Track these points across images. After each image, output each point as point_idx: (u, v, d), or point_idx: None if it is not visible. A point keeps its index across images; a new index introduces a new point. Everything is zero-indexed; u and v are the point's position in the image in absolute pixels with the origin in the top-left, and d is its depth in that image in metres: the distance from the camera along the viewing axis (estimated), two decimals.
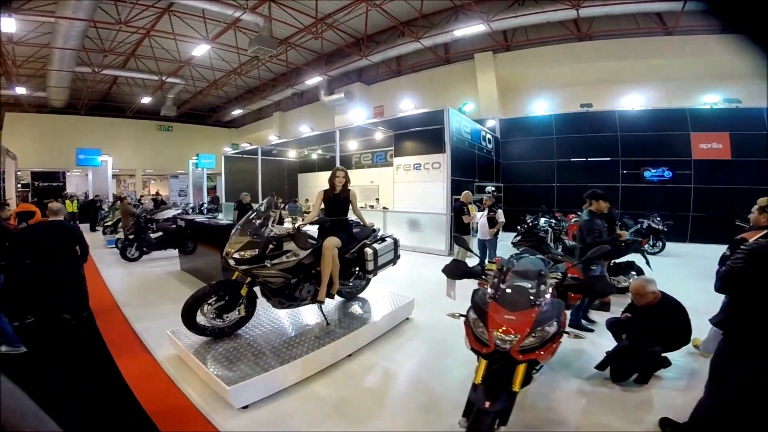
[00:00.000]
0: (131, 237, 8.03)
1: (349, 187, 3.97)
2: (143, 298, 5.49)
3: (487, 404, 1.89)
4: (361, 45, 15.11)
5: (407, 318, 4.45)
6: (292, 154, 18.36)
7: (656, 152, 11.88)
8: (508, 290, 2.23)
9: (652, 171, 12.04)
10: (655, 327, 3.02)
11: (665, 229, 10.25)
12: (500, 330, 2.01)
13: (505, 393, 1.96)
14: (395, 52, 14.83)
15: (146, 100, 19.84)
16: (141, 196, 16.22)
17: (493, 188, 11.19)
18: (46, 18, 11.30)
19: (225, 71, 18.55)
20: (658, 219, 10.48)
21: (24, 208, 9.16)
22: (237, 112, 23.94)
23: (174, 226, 8.13)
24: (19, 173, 17.90)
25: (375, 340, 3.83)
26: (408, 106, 13.64)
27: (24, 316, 4.28)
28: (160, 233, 8.29)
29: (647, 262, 5.46)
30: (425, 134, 11.76)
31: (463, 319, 2.40)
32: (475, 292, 2.37)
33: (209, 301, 3.21)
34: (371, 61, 15.43)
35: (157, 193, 21.67)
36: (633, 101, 12.29)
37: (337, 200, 3.89)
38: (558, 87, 13.35)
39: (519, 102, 13.88)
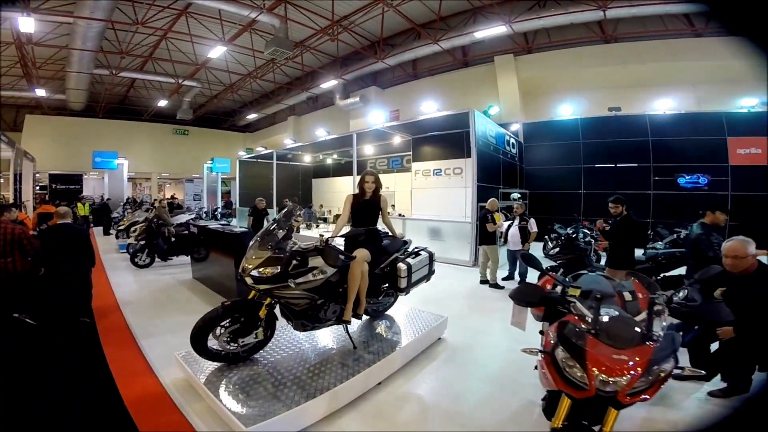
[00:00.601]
0: (142, 243, 7.75)
1: (381, 193, 3.56)
2: (151, 309, 5.13)
3: None
4: (377, 48, 14.83)
5: (439, 338, 3.99)
6: (306, 159, 18.17)
7: (690, 158, 11.22)
8: (611, 322, 1.82)
9: (687, 177, 11.37)
10: (759, 299, 2.42)
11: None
12: (602, 370, 1.65)
13: None
14: (411, 55, 14.51)
15: (162, 103, 19.94)
16: (155, 200, 16.14)
17: (519, 195, 10.68)
18: (64, 18, 11.30)
19: (241, 74, 18.50)
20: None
21: (44, 210, 9.14)
22: (252, 116, 23.93)
23: (186, 231, 7.87)
24: (37, 175, 18.07)
25: (406, 364, 3.39)
26: (431, 108, 13.21)
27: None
28: (173, 239, 8.01)
29: None
30: (447, 138, 11.35)
31: (539, 356, 1.97)
32: (563, 324, 1.93)
33: (222, 323, 2.82)
34: (387, 65, 15.14)
35: (173, 197, 21.68)
36: (663, 105, 11.66)
37: (367, 207, 3.47)
38: (583, 90, 12.78)
39: (542, 105, 13.35)
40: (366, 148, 15.33)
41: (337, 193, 17.98)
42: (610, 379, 1.62)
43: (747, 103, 10.76)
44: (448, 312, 4.33)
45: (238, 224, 15.33)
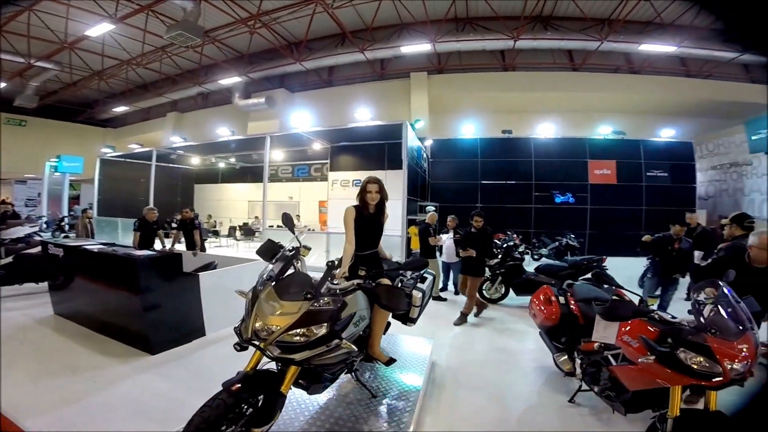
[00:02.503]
0: None
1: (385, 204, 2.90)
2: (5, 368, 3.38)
3: None
4: (294, 49, 13.90)
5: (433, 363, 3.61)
6: (192, 162, 15.73)
7: (562, 177, 13.39)
8: (721, 317, 2.10)
9: (561, 196, 13.52)
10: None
11: (578, 246, 11.51)
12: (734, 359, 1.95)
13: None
14: (332, 61, 14.02)
15: None
16: None
17: (434, 208, 11.09)
18: None
19: (119, 60, 15.15)
20: (573, 237, 11.75)
21: None
22: (120, 109, 19.77)
23: (37, 250, 5.72)
24: None
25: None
26: (364, 116, 12.82)
27: None
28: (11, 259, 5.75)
29: None
30: (369, 148, 11.12)
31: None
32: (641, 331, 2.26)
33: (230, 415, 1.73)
34: (304, 68, 14.27)
35: (4, 202, 16.18)
36: (546, 129, 13.73)
37: (371, 223, 2.81)
38: (484, 112, 14.20)
39: (448, 124, 14.33)
40: (267, 153, 14.15)
41: (226, 201, 16.06)
42: (739, 364, 1.91)
43: (603, 131, 13.42)
44: (404, 330, 3.99)
45: (97, 239, 12.31)
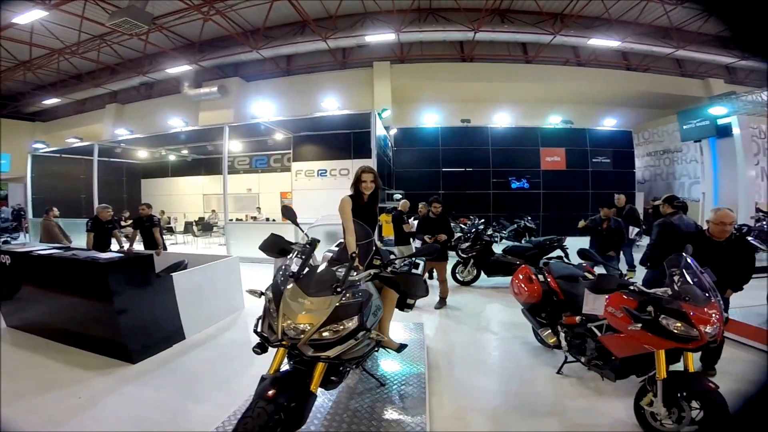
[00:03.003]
0: None
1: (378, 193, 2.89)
2: None
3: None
4: (250, 36, 13.14)
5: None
6: (139, 155, 14.53)
7: (518, 164, 14.11)
8: (690, 286, 2.36)
9: (516, 182, 14.25)
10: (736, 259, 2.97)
11: (535, 228, 12.27)
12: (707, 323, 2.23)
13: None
14: (292, 49, 13.51)
15: None
16: None
17: (401, 195, 11.21)
18: None
19: (51, 49, 13.43)
20: (530, 219, 12.50)
21: None
22: (51, 101, 17.64)
23: None
24: None
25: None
26: (332, 105, 12.40)
27: None
28: None
29: (567, 256, 6.16)
30: (337, 138, 10.90)
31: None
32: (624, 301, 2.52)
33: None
34: (261, 56, 13.55)
35: None
36: (502, 119, 14.31)
37: (366, 212, 2.78)
38: (444, 101, 14.48)
39: (411, 113, 14.44)
40: (226, 144, 13.50)
41: (178, 195, 15.10)
42: (710, 328, 2.17)
43: (553, 121, 14.26)
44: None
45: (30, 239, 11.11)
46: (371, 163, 8.80)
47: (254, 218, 13.64)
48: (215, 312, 4.73)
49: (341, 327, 1.77)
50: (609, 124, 14.78)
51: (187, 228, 12.54)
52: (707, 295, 2.31)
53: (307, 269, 1.98)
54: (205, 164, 14.93)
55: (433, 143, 13.91)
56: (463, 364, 3.37)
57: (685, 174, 13.56)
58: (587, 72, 14.34)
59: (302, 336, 1.70)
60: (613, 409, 2.57)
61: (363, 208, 2.74)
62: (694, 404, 2.11)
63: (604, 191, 13.32)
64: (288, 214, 2.38)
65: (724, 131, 11.34)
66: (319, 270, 1.99)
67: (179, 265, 5.05)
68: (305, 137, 11.40)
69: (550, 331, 3.33)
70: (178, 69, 14.19)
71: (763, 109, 10.89)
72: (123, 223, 10.38)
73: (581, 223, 6.06)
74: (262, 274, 7.05)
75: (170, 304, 4.05)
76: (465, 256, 6.75)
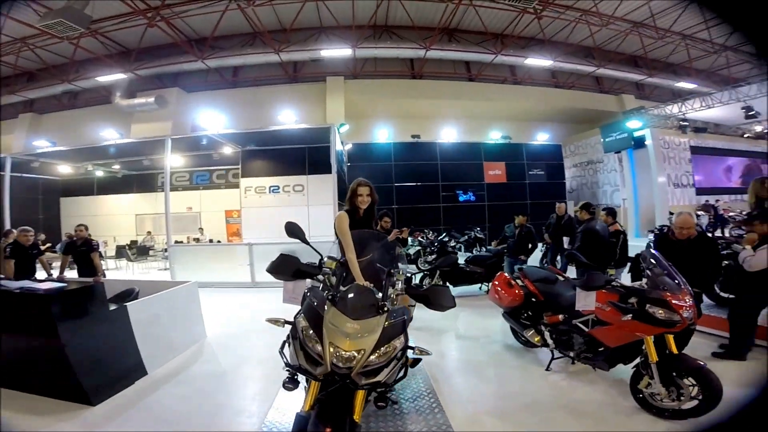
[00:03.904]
0: None
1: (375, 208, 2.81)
2: None
3: None
4: (195, 45, 12.46)
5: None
6: (55, 170, 12.82)
7: (464, 178, 14.89)
8: (664, 277, 2.64)
9: (464, 195, 15.00)
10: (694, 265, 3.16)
11: (484, 238, 12.99)
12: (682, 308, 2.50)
13: None
14: (240, 60, 12.95)
15: None
16: None
17: None
18: None
19: None
20: (479, 230, 13.21)
21: None
22: None
23: None
24: None
25: None
26: (289, 118, 11.98)
27: None
28: None
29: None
30: (290, 152, 10.56)
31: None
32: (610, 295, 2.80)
33: None
34: (207, 66, 12.81)
35: None
36: (449, 134, 15.07)
37: (364, 228, 2.67)
38: (396, 117, 14.86)
39: (363, 128, 14.58)
40: (168, 159, 12.48)
41: (104, 216, 13.56)
42: (687, 312, 2.45)
43: (494, 136, 15.31)
44: None
45: None
46: (331, 179, 8.68)
47: (197, 240, 12.64)
48: (176, 343, 4.25)
49: (391, 348, 1.66)
50: (542, 138, 16.27)
51: (120, 252, 11.21)
52: (678, 283, 2.59)
53: (342, 290, 1.84)
54: (138, 181, 13.59)
55: (386, 158, 14.18)
56: (458, 373, 3.38)
57: (607, 183, 15.31)
58: (522, 90, 15.63)
59: (353, 364, 1.56)
60: (608, 396, 2.76)
61: (359, 222, 2.63)
62: (689, 381, 2.32)
63: (540, 201, 14.59)
64: (294, 231, 2.20)
65: (640, 143, 13.04)
66: (353, 290, 1.85)
67: (129, 294, 4.50)
68: (256, 152, 10.94)
69: (533, 331, 3.49)
70: (110, 77, 12.90)
71: (666, 122, 12.75)
72: (41, 248, 8.95)
73: (493, 244, 6.72)
74: (218, 300, 6.55)
75: (127, 336, 3.57)
76: (430, 267, 6.89)
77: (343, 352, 1.56)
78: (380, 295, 1.81)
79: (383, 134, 14.09)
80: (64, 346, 2.87)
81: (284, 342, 1.93)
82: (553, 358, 3.29)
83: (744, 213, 7.82)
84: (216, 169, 13.32)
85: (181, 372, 3.65)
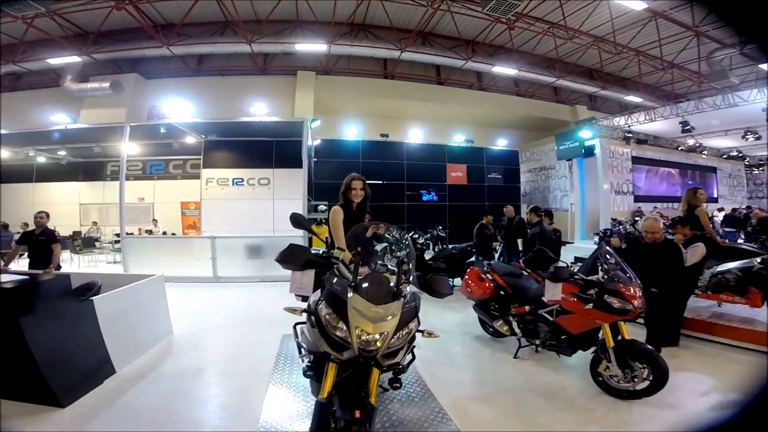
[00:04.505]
0: None
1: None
2: None
3: None
4: (161, 31, 11.74)
5: None
6: None
7: (428, 178, 15.31)
8: (618, 271, 2.98)
9: (427, 195, 15.43)
10: (659, 267, 3.51)
11: (446, 236, 13.47)
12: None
13: None
14: (208, 48, 12.37)
15: None
16: None
17: (326, 207, 11.14)
18: None
19: None
20: (441, 228, 13.67)
21: None
22: None
23: None
24: None
25: None
26: (260, 110, 11.51)
27: None
28: None
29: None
30: (257, 145, 10.24)
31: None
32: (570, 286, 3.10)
33: None
34: (171, 53, 12.02)
35: None
36: (416, 135, 15.41)
37: (357, 222, 2.69)
38: (365, 116, 14.92)
39: (332, 124, 14.47)
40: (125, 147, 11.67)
41: (45, 205, 12.35)
42: (638, 302, 2.79)
43: (458, 139, 15.87)
44: None
45: None
46: (298, 173, 8.60)
47: (149, 232, 11.89)
48: (144, 340, 4.08)
49: (407, 331, 1.79)
50: (501, 144, 17.10)
51: (64, 243, 10.27)
52: (629, 276, 2.94)
53: (360, 277, 1.91)
54: (84, 168, 12.50)
55: (354, 156, 14.18)
56: (436, 363, 3.53)
57: (557, 188, 16.49)
58: (487, 96, 16.27)
59: (377, 346, 1.67)
60: (572, 380, 3.10)
61: (353, 217, 2.71)
62: (640, 365, 2.67)
63: (497, 203, 15.32)
64: (300, 221, 2.26)
65: (590, 152, 14.17)
66: (371, 278, 1.93)
67: (91, 288, 4.19)
68: (220, 142, 10.52)
69: (502, 321, 3.79)
70: (63, 59, 11.82)
71: (614, 133, 13.96)
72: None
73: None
74: (179, 295, 6.26)
75: (94, 333, 3.39)
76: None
77: (368, 336, 1.66)
78: (392, 283, 1.91)
79: (352, 131, 14.09)
80: (29, 344, 2.68)
81: (298, 331, 1.99)
82: (520, 347, 3.59)
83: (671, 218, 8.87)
84: (173, 158, 12.57)
85: (153, 370, 3.52)
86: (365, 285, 1.83)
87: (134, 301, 4.11)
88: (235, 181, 10.70)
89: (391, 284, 1.89)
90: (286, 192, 10.12)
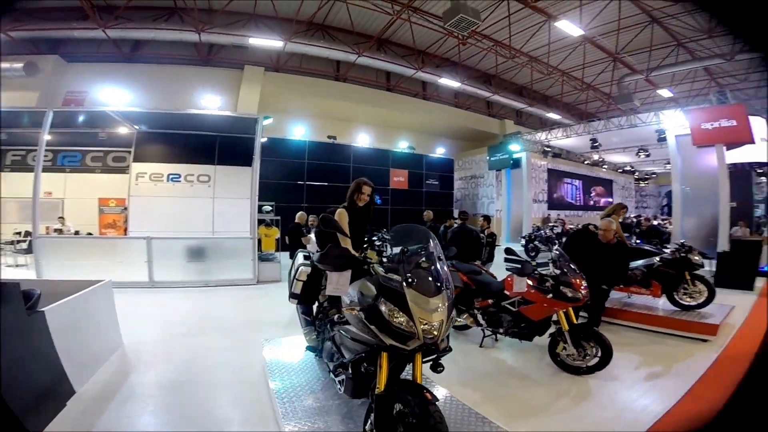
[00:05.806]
0: None
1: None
2: None
3: None
4: (98, 12, 10.31)
5: None
6: None
7: (373, 182, 15.54)
8: (568, 266, 3.56)
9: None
10: (609, 264, 4.05)
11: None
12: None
13: None
14: (150, 34, 11.17)
15: None
16: None
17: (271, 207, 10.81)
18: None
19: None
20: (386, 231, 14.10)
21: None
22: None
23: None
24: None
25: None
26: (214, 103, 10.67)
27: None
28: None
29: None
30: (197, 139, 9.50)
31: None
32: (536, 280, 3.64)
33: None
34: (107, 36, 10.54)
35: None
36: (363, 139, 15.69)
37: (357, 225, 2.88)
38: (313, 116, 14.75)
39: (279, 123, 13.99)
40: (45, 134, 10.00)
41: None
42: (584, 291, 3.39)
43: (401, 146, 16.51)
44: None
45: None
46: (252, 172, 8.29)
47: (58, 231, 10.34)
48: (98, 353, 3.73)
49: (452, 318, 2.02)
50: (439, 152, 18.21)
51: None
52: (576, 271, 3.55)
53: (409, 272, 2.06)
54: None
55: (300, 156, 13.96)
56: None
57: (485, 195, 18.05)
58: (429, 105, 17.15)
59: (438, 333, 1.88)
60: (534, 362, 3.64)
61: (357, 219, 2.86)
62: (590, 344, 3.26)
63: (433, 208, 16.20)
64: (331, 223, 2.35)
65: (517, 163, 15.75)
66: (418, 274, 2.05)
67: (30, 297, 3.66)
68: (156, 134, 9.59)
69: (467, 314, 4.21)
70: None
71: (535, 147, 15.71)
72: None
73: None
74: (127, 301, 5.66)
75: (47, 348, 3.03)
76: None
77: (430, 325, 1.87)
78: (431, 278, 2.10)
79: (299, 131, 13.85)
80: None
81: (336, 337, 2.15)
82: (484, 336, 4.05)
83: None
84: (92, 150, 11.07)
85: (120, 385, 3.21)
86: (416, 281, 2.00)
87: (85, 311, 3.73)
88: (171, 177, 9.83)
89: (430, 279, 2.06)
90: (228, 191, 9.64)
